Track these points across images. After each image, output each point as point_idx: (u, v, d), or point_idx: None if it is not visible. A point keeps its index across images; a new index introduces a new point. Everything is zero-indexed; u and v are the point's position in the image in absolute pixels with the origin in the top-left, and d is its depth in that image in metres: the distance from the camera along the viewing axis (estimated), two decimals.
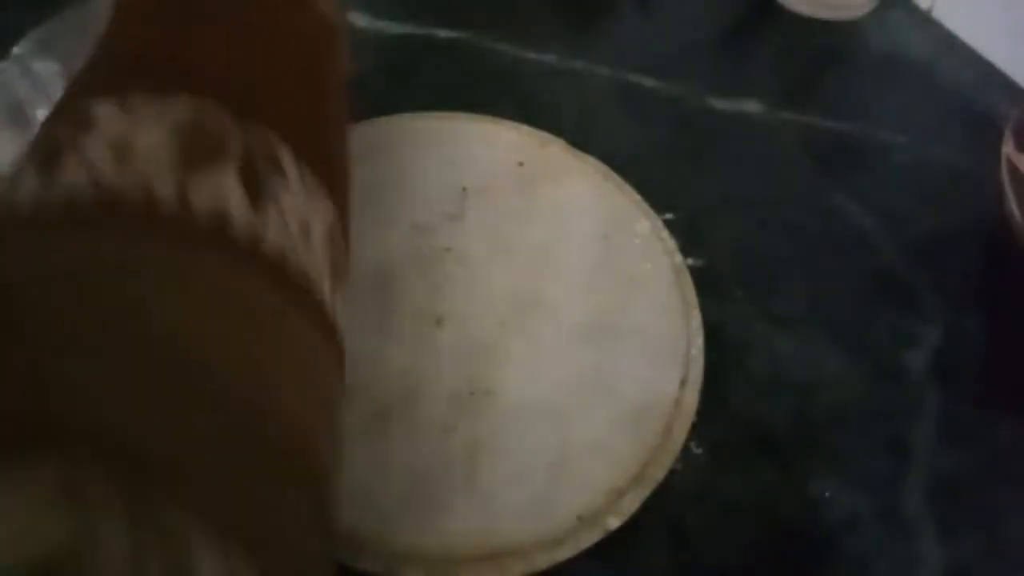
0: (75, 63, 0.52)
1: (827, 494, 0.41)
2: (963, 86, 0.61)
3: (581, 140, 0.52)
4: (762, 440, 0.42)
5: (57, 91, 0.51)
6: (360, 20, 0.60)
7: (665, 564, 0.39)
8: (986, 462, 0.43)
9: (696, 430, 0.42)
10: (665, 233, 0.47)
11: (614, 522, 0.37)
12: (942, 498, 0.41)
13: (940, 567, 0.39)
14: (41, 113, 0.50)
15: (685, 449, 0.41)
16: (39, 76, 0.51)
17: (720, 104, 0.58)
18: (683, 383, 0.41)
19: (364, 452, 0.38)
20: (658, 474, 0.38)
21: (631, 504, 0.37)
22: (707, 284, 0.47)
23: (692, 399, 0.41)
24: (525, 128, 0.51)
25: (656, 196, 0.50)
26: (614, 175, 0.49)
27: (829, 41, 0.64)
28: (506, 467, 0.38)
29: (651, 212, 0.48)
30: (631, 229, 0.47)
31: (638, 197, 0.48)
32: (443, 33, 0.60)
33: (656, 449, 0.39)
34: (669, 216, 0.50)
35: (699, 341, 0.43)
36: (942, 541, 0.40)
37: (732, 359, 0.45)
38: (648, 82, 0.59)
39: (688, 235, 0.49)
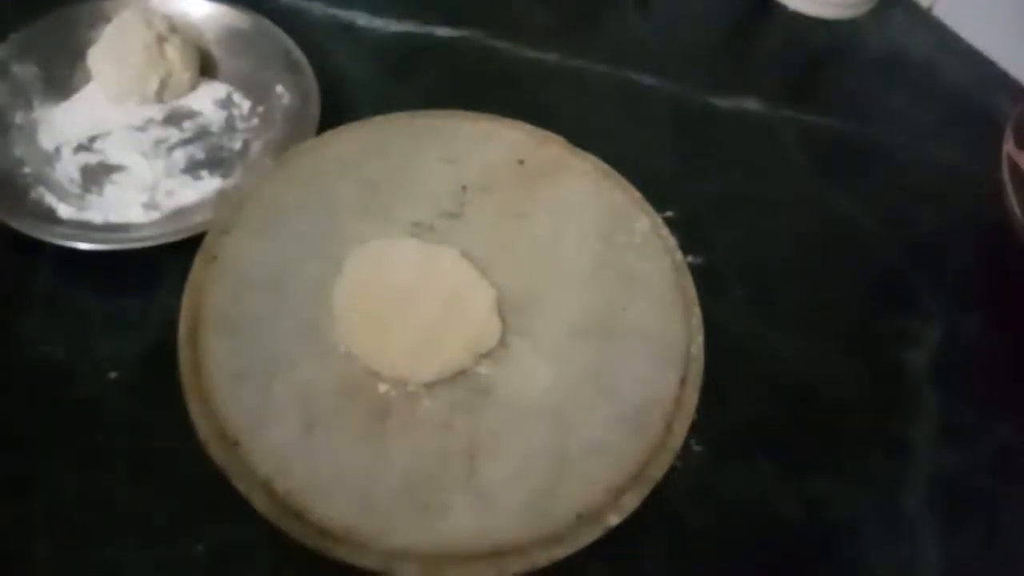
0: (56, 68, 0.52)
1: (827, 494, 0.41)
2: (963, 86, 0.61)
3: (581, 138, 0.52)
4: (762, 440, 0.42)
5: (36, 95, 0.51)
6: (360, 18, 0.60)
7: (665, 562, 0.39)
8: (986, 462, 0.43)
9: (696, 429, 0.42)
10: (665, 231, 0.47)
11: (614, 519, 0.37)
12: (942, 498, 0.41)
13: (940, 567, 0.39)
14: (20, 117, 0.50)
15: (685, 447, 0.41)
16: (18, 80, 0.51)
17: (720, 103, 0.58)
18: (683, 381, 0.41)
19: (364, 450, 0.38)
20: (658, 473, 0.38)
21: (631, 502, 0.37)
22: (707, 284, 0.47)
23: (692, 398, 0.40)
24: (525, 126, 0.51)
25: (656, 195, 0.50)
26: (614, 173, 0.49)
27: (829, 40, 0.64)
28: (505, 466, 0.38)
29: (651, 210, 0.47)
30: (631, 227, 0.47)
31: (638, 195, 0.48)
32: (443, 32, 0.60)
33: (656, 448, 0.39)
34: (669, 215, 0.50)
35: (699, 339, 0.42)
36: (942, 541, 0.40)
37: (732, 359, 0.45)
38: (648, 81, 0.59)
39: (688, 234, 0.49)
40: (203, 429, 0.38)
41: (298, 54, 0.54)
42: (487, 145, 0.50)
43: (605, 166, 0.49)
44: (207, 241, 0.44)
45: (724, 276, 0.48)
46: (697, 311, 0.43)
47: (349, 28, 0.59)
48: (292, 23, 0.57)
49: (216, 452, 0.37)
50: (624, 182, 0.48)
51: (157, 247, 0.45)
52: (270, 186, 0.47)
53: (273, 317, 0.42)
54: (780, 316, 0.47)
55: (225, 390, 0.39)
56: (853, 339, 0.46)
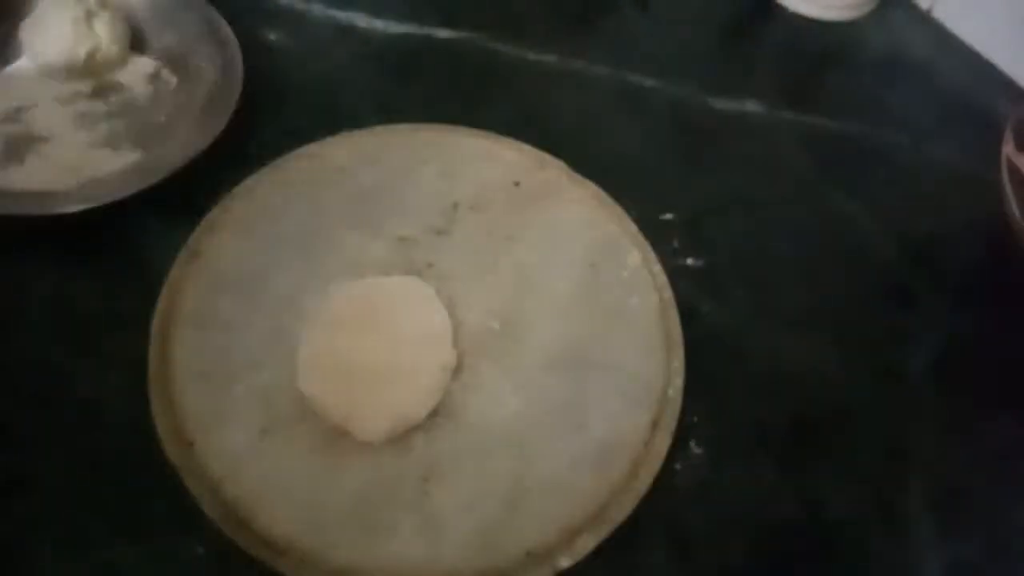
0: None
1: (827, 494, 0.41)
2: (963, 86, 0.61)
3: (580, 140, 0.52)
4: (762, 440, 0.42)
5: None
6: (360, 20, 0.60)
7: (665, 563, 0.39)
8: (986, 462, 0.43)
9: (696, 430, 0.42)
10: (657, 267, 0.45)
11: (565, 562, 0.36)
12: (942, 498, 0.41)
13: (940, 567, 0.39)
14: None
15: (685, 448, 0.41)
16: None
17: (720, 104, 0.58)
18: (655, 424, 0.40)
19: (316, 463, 0.38)
20: (618, 516, 0.37)
21: (586, 544, 0.36)
22: (707, 284, 0.47)
23: (663, 442, 0.39)
24: (527, 148, 0.50)
25: (656, 196, 0.50)
26: (611, 203, 0.48)
27: (829, 41, 0.64)
28: (459, 493, 0.37)
29: (645, 244, 0.46)
30: (621, 260, 0.46)
31: (633, 228, 0.47)
32: (443, 33, 0.60)
33: (619, 490, 0.38)
34: (669, 216, 0.50)
35: (678, 383, 0.41)
36: (942, 541, 0.40)
37: (732, 359, 0.45)
38: (648, 82, 0.59)
39: (688, 235, 0.49)
40: (161, 426, 0.38)
41: (226, 31, 0.54)
42: (485, 164, 0.49)
43: (603, 194, 0.48)
44: (192, 237, 0.44)
45: (724, 276, 0.48)
46: (680, 353, 0.42)
47: (349, 30, 0.59)
48: (292, 25, 0.57)
49: (171, 451, 0.37)
50: (621, 213, 0.47)
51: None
52: (262, 188, 0.47)
53: (245, 319, 0.42)
54: (780, 316, 0.47)
55: (187, 388, 0.39)
56: (853, 339, 0.46)
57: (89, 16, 0.52)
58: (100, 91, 0.53)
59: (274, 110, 0.53)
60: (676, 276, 0.46)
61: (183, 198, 0.46)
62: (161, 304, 0.42)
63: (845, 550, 0.39)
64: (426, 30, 0.60)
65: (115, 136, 0.51)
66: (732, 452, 0.42)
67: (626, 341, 0.43)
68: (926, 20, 0.66)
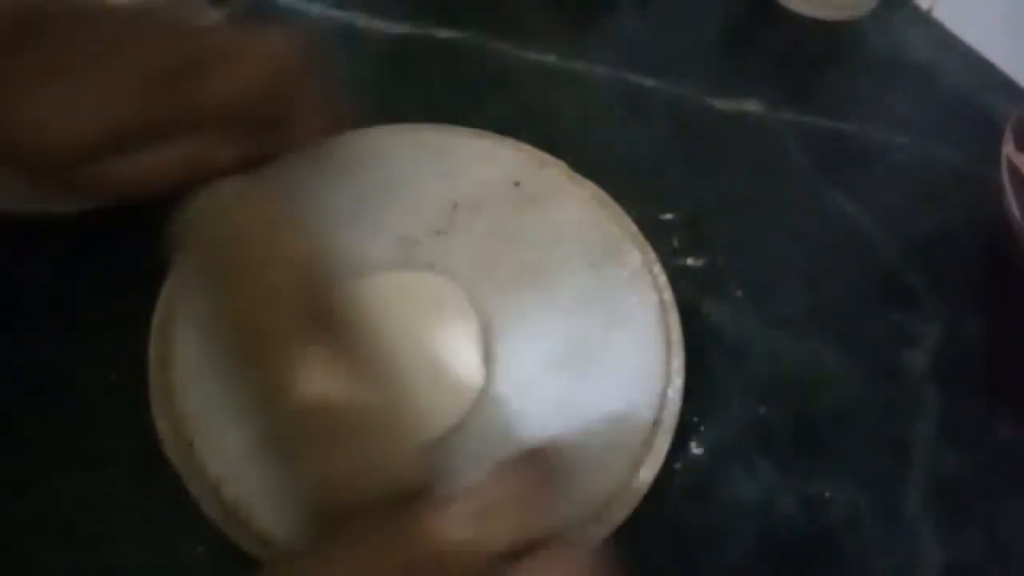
0: None
1: (827, 494, 0.41)
2: (963, 86, 0.61)
3: (580, 140, 0.52)
4: (762, 440, 0.42)
5: None
6: (358, 20, 0.60)
7: (665, 563, 0.39)
8: (986, 462, 0.43)
9: (696, 430, 0.42)
10: (657, 267, 0.45)
11: None
12: (942, 498, 0.41)
13: (940, 567, 0.39)
14: None
15: (685, 449, 0.41)
16: None
17: (720, 104, 0.58)
18: (656, 424, 0.40)
19: (317, 467, 0.38)
20: (619, 515, 0.37)
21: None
22: (707, 284, 0.47)
23: (664, 442, 0.39)
24: (527, 147, 0.49)
25: (656, 196, 0.50)
26: (612, 203, 0.47)
27: (829, 41, 0.64)
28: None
29: (646, 245, 0.46)
30: (621, 260, 0.45)
31: (634, 228, 0.47)
32: (442, 33, 0.60)
33: (620, 489, 0.38)
34: (669, 216, 0.50)
35: (678, 382, 0.41)
36: (942, 541, 0.40)
37: (732, 359, 0.45)
38: (648, 82, 0.59)
39: (688, 235, 0.49)
40: (161, 426, 0.38)
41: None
42: (485, 164, 0.49)
43: (603, 194, 0.48)
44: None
45: (724, 276, 0.48)
46: (680, 353, 0.42)
47: (348, 30, 0.59)
48: (291, 25, 0.57)
49: (171, 451, 0.37)
50: (621, 213, 0.47)
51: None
52: (263, 188, 0.47)
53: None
54: (780, 316, 0.47)
55: (187, 387, 0.39)
56: (853, 339, 0.46)
57: None
58: None
59: None
60: (676, 276, 0.46)
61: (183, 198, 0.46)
62: (161, 304, 0.42)
63: (845, 550, 0.40)
64: (426, 30, 0.60)
65: None
66: (732, 452, 0.42)
67: (626, 341, 0.43)
68: (926, 20, 0.66)
